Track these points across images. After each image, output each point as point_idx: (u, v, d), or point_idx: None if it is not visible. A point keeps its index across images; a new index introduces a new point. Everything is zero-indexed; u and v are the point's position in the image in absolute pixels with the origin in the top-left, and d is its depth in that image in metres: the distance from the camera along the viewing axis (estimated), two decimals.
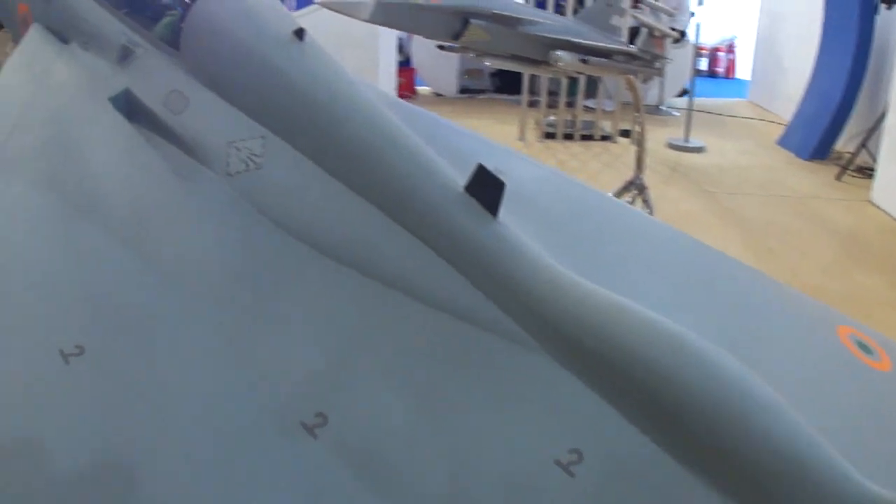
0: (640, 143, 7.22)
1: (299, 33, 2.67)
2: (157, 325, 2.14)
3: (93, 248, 2.36)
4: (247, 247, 2.38)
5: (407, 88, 14.51)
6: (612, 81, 11.49)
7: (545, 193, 2.78)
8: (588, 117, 12.09)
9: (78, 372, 1.95)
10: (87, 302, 2.21)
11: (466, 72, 14.93)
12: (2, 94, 3.04)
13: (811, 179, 10.03)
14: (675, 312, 2.11)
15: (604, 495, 1.76)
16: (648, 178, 7.33)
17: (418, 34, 7.11)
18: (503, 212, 2.16)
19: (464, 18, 5.34)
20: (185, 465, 1.83)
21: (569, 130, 12.00)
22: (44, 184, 2.55)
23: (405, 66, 14.57)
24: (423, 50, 13.75)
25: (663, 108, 13.92)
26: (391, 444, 1.87)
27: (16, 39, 3.75)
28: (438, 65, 14.20)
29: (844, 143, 10.82)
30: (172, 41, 2.85)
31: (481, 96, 15.04)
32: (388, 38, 9.69)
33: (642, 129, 7.18)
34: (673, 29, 9.67)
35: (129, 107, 2.78)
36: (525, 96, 11.80)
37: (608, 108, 12.11)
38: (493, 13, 5.45)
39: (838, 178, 9.95)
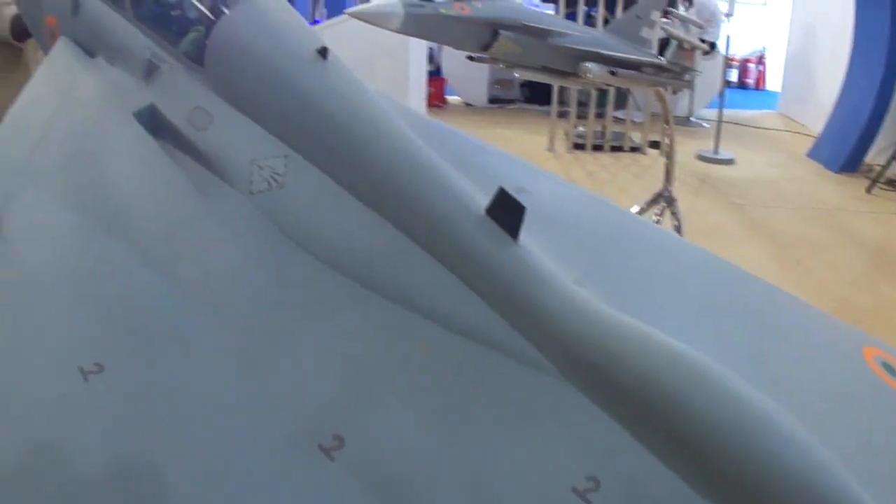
0: (669, 155, 7.21)
1: (323, 52, 2.67)
2: (176, 344, 2.13)
3: (114, 264, 2.35)
4: (269, 267, 2.37)
5: (437, 98, 14.53)
6: (641, 93, 11.45)
7: (570, 212, 2.74)
8: (618, 128, 12.08)
9: (96, 390, 1.93)
10: (108, 319, 2.19)
11: (496, 82, 14.95)
12: (29, 107, 3.03)
13: (841, 192, 10.01)
14: (698, 334, 2.11)
15: None
16: (677, 190, 7.33)
17: (448, 45, 7.12)
18: (525, 231, 2.14)
19: (493, 30, 5.37)
20: (202, 487, 1.82)
21: (598, 141, 12.00)
22: (68, 198, 2.55)
23: (435, 75, 14.59)
24: (454, 60, 13.75)
25: (693, 119, 13.89)
26: (408, 468, 1.86)
27: (44, 50, 3.79)
28: (468, 75, 14.18)
29: (875, 156, 10.77)
30: (197, 57, 2.85)
31: (511, 106, 15.05)
32: (418, 47, 9.71)
33: (671, 140, 7.17)
34: (703, 41, 9.68)
35: (154, 122, 2.80)
36: (555, 107, 11.82)
37: (638, 120, 12.09)
38: (523, 25, 5.48)
39: (868, 190, 9.92)
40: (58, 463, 1.81)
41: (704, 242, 7.03)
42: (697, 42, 6.75)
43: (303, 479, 1.84)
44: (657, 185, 7.34)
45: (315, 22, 16.79)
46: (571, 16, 11.14)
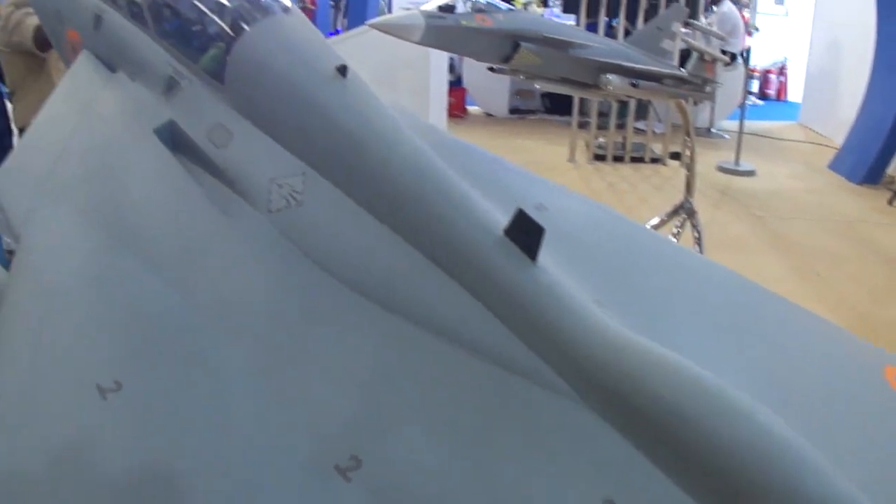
0: (689, 167, 7.19)
1: (342, 70, 2.67)
2: (194, 363, 2.13)
3: (133, 281, 2.34)
4: (287, 286, 2.37)
5: (457, 108, 14.52)
6: (662, 104, 11.44)
7: (590, 230, 2.74)
8: (638, 139, 12.09)
9: (114, 408, 1.94)
10: (126, 336, 2.20)
11: (517, 92, 14.96)
12: (50, 122, 3.04)
13: (862, 204, 9.99)
14: (718, 353, 2.11)
15: None
16: (698, 202, 7.32)
17: (469, 57, 7.13)
18: (545, 250, 2.14)
19: (514, 42, 5.37)
20: None
21: (619, 152, 12.01)
22: (87, 213, 2.56)
23: (456, 85, 14.58)
24: (474, 70, 13.74)
25: (714, 130, 13.86)
26: (424, 490, 1.87)
27: (66, 63, 3.80)
28: (489, 85, 14.17)
29: None
30: (217, 74, 2.85)
31: (532, 117, 15.06)
32: (439, 58, 9.71)
33: (692, 152, 7.15)
34: (724, 52, 9.66)
35: (173, 139, 2.79)
36: (575, 118, 11.82)
37: (658, 131, 12.10)
38: (544, 36, 5.48)
39: (890, 202, 9.91)
40: (75, 482, 1.82)
41: (724, 254, 7.08)
42: (718, 54, 6.74)
43: (319, 500, 1.85)
44: (677, 197, 7.34)
45: (336, 32, 16.87)
46: (592, 26, 11.14)
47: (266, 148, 2.64)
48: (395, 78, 8.45)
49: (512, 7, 6.35)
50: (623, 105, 11.47)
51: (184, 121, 2.81)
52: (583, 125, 12.04)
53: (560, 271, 2.18)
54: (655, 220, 7.34)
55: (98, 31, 3.37)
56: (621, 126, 12.02)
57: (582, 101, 11.55)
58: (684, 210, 7.18)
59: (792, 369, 2.36)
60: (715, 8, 13.87)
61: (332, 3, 19.94)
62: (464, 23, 5.14)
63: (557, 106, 14.35)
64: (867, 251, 8.24)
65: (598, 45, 5.95)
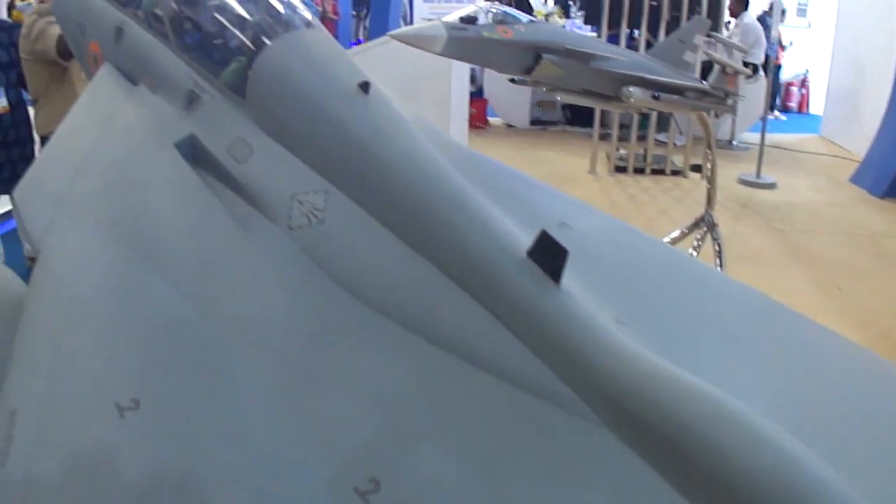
0: (710, 180, 7.17)
1: (365, 86, 2.65)
2: (212, 382, 2.11)
3: (152, 296, 2.33)
4: (307, 304, 2.34)
5: (479, 119, 14.55)
6: (683, 116, 11.41)
7: (612, 248, 2.72)
8: (659, 151, 12.08)
9: (132, 426, 1.92)
10: (145, 353, 2.18)
11: (538, 103, 14.98)
12: (71, 135, 3.04)
13: (884, 217, 9.94)
14: (742, 375, 2.09)
15: None
16: (719, 215, 7.29)
17: (490, 68, 7.13)
18: (568, 267, 2.10)
19: (536, 53, 5.36)
20: None
21: (640, 164, 12.00)
22: (107, 228, 2.55)
23: (477, 96, 14.61)
24: (496, 81, 13.79)
25: (735, 143, 13.83)
26: None
27: (88, 75, 3.81)
28: (510, 96, 14.24)
29: None
30: (238, 88, 2.83)
31: (553, 128, 15.09)
32: (460, 68, 9.72)
33: (713, 165, 7.13)
34: (746, 64, 9.63)
35: (194, 153, 2.78)
36: (597, 129, 11.83)
37: (680, 143, 12.07)
38: (566, 48, 5.47)
39: None
40: (91, 494, 1.81)
41: (745, 267, 7.06)
42: (741, 67, 6.72)
43: None
44: (698, 210, 7.31)
45: (358, 42, 16.93)
46: (613, 38, 11.15)
47: (287, 164, 2.62)
48: (417, 88, 8.46)
49: (533, 19, 6.34)
50: (644, 117, 11.45)
51: (204, 135, 2.81)
52: (604, 137, 12.04)
53: (583, 292, 2.15)
54: (676, 233, 7.32)
55: (119, 44, 3.38)
56: (642, 138, 12.01)
57: (603, 112, 11.53)
58: (705, 223, 7.15)
59: (816, 392, 2.32)
60: (736, 20, 13.88)
61: (353, 12, 20.03)
62: (485, 34, 5.14)
63: (578, 117, 14.40)
64: (889, 265, 8.20)
65: (620, 58, 5.93)
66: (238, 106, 2.82)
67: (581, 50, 5.58)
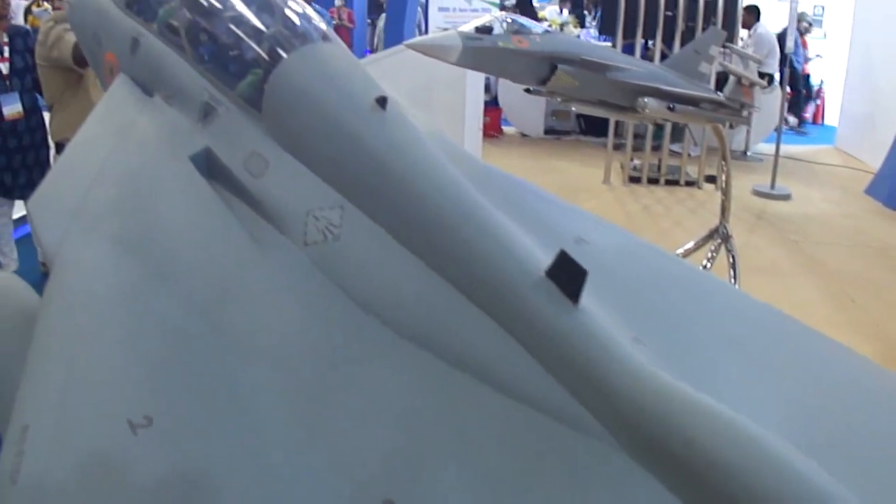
0: (725, 191, 7.16)
1: (382, 101, 2.62)
2: (226, 399, 2.08)
3: (165, 312, 2.30)
4: (321, 320, 2.31)
5: (493, 128, 14.57)
6: (698, 126, 11.40)
7: (629, 264, 2.69)
8: (674, 162, 12.06)
9: (145, 444, 1.90)
10: (158, 370, 2.14)
11: (553, 113, 14.96)
12: (85, 145, 3.02)
13: None
14: (759, 394, 2.08)
15: None
16: (733, 226, 7.29)
17: (506, 78, 7.12)
18: (586, 285, 2.08)
19: (551, 64, 5.36)
20: None
21: (654, 175, 11.98)
22: (121, 241, 2.52)
23: (492, 105, 14.63)
24: (510, 90, 13.78)
25: (750, 154, 13.81)
26: None
27: (103, 86, 3.81)
28: (525, 105, 14.22)
29: None
30: (254, 101, 2.80)
31: (567, 138, 15.04)
32: (475, 77, 9.72)
33: (728, 177, 7.12)
34: (761, 75, 9.61)
35: (209, 166, 2.76)
36: (611, 139, 11.84)
37: (694, 154, 12.04)
38: (581, 59, 5.47)
39: None
40: None
41: (759, 279, 7.05)
42: (756, 78, 6.70)
43: None
44: (712, 220, 7.31)
45: (373, 50, 16.98)
46: (628, 48, 11.16)
47: (303, 179, 2.60)
48: (431, 97, 8.46)
49: (549, 29, 6.35)
50: (659, 127, 11.44)
51: (220, 148, 2.79)
52: (618, 147, 12.05)
53: (601, 311, 2.13)
54: (690, 245, 7.32)
55: (135, 55, 3.37)
56: (657, 148, 12.01)
57: (617, 122, 11.56)
58: (719, 234, 7.14)
59: (831, 409, 2.31)
60: (749, 31, 13.88)
61: (368, 21, 20.09)
62: (501, 44, 5.14)
63: (593, 127, 14.39)
64: None
65: (635, 68, 5.94)
66: (254, 119, 2.79)
67: (596, 60, 5.59)
